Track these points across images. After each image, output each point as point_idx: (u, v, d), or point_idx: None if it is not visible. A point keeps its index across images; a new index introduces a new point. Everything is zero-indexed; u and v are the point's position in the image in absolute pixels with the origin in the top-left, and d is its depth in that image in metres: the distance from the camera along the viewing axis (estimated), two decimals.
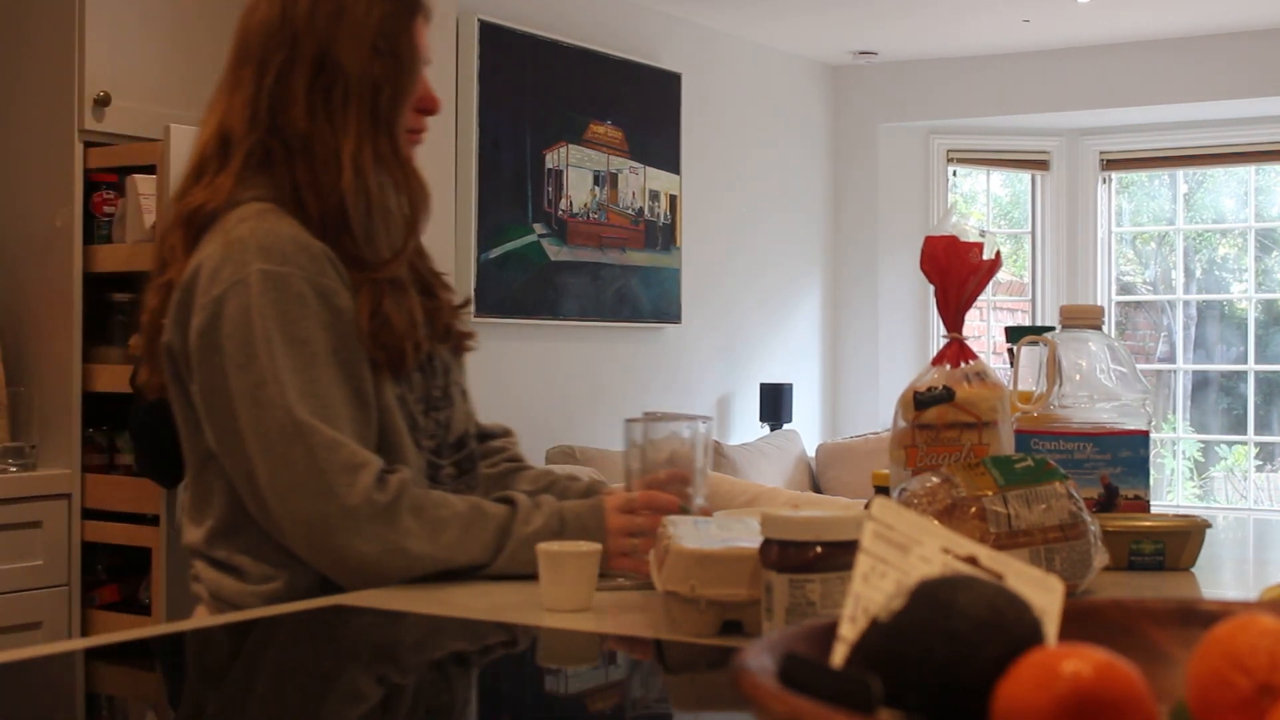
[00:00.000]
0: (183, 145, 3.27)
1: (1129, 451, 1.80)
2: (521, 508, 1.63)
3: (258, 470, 1.55)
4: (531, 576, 1.51)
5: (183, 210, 1.65)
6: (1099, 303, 6.82)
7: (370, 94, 1.65)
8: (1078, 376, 1.82)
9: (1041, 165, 6.90)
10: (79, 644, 1.39)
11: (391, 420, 1.64)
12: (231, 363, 1.56)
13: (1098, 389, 1.82)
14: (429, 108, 1.73)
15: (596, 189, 5.21)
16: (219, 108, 1.70)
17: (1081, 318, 1.86)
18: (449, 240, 4.01)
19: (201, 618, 1.64)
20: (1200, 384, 7.18)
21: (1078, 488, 1.51)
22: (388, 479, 1.56)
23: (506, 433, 1.93)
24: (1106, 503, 1.79)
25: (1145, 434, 1.80)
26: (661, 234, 5.51)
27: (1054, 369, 1.81)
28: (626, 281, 5.35)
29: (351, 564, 1.55)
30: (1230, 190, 7.10)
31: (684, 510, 1.62)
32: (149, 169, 3.34)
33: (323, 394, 1.56)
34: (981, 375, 1.65)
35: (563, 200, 5.05)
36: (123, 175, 3.40)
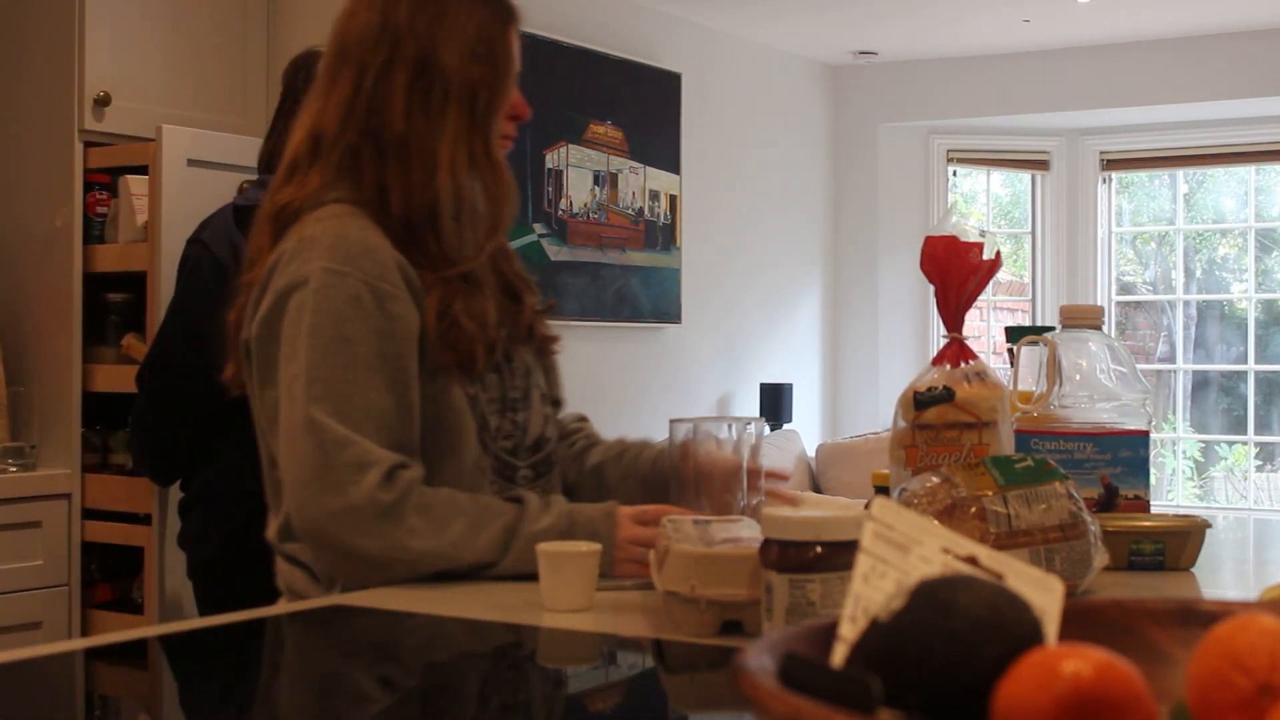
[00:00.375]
0: (175, 145, 3.28)
1: (1129, 452, 1.80)
2: (530, 507, 1.63)
3: (279, 462, 1.61)
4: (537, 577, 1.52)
5: (270, 209, 1.72)
6: (1099, 303, 6.82)
7: (469, 97, 1.70)
8: (1078, 376, 1.82)
9: (1041, 165, 6.90)
10: (79, 644, 1.39)
11: (458, 420, 1.67)
12: (282, 355, 1.62)
13: (1098, 389, 1.82)
14: (520, 114, 1.78)
15: (596, 189, 5.21)
16: (313, 109, 1.75)
17: (1081, 318, 1.86)
18: None
19: (201, 618, 1.64)
20: (1200, 384, 7.18)
21: (1078, 488, 1.51)
22: (397, 477, 1.57)
23: (582, 419, 2.00)
24: (1106, 503, 1.79)
25: (1145, 434, 1.80)
26: (661, 234, 5.51)
27: (1054, 369, 1.81)
28: (626, 281, 5.35)
29: (356, 561, 1.56)
30: (1230, 190, 7.10)
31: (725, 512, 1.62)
32: (142, 169, 3.34)
33: (352, 394, 1.58)
34: (981, 375, 1.65)
35: (563, 200, 5.05)
36: (115, 176, 3.40)
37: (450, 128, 1.69)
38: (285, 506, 1.61)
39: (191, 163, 3.30)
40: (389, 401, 1.60)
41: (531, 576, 1.55)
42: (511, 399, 1.75)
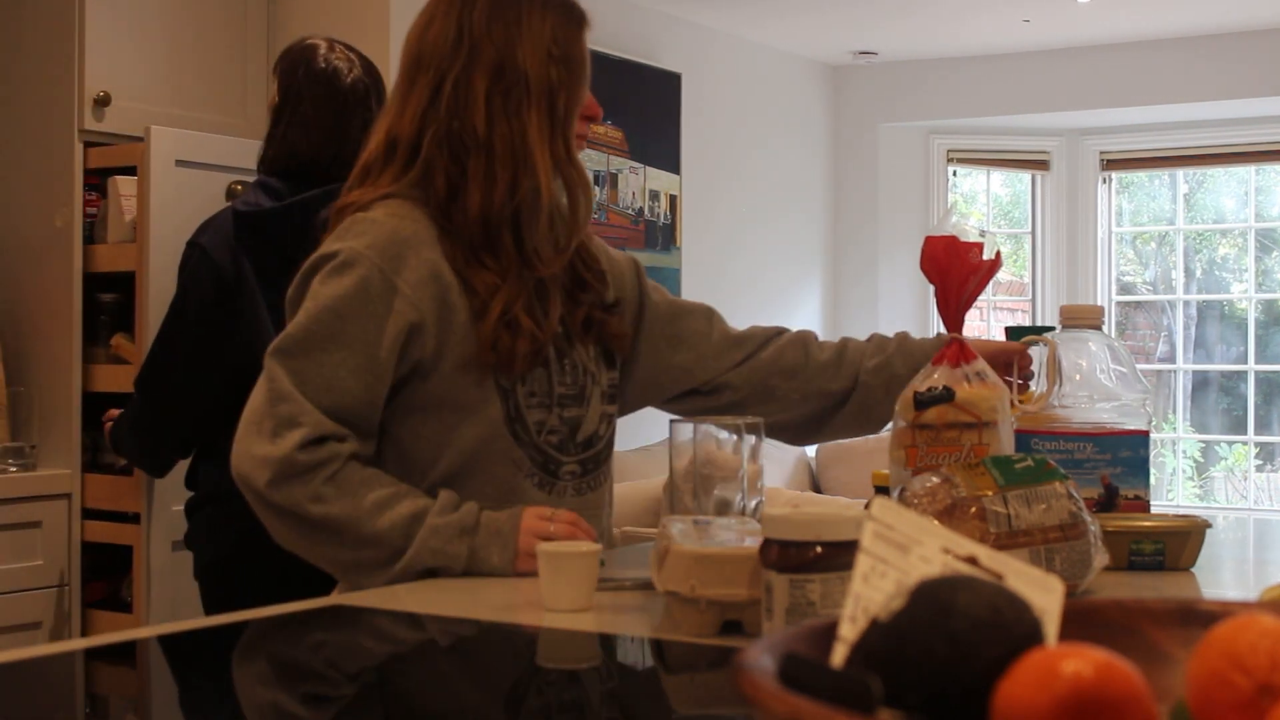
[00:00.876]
0: (163, 146, 3.29)
1: (1129, 451, 1.80)
2: (440, 500, 1.66)
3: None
4: (440, 573, 1.61)
5: (338, 206, 1.77)
6: (1099, 303, 6.82)
7: (548, 99, 1.75)
8: (1078, 376, 1.82)
9: (1041, 165, 6.90)
10: (79, 644, 1.39)
11: (483, 409, 1.71)
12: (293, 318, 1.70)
13: (1098, 389, 1.82)
14: (594, 114, 1.83)
15: (596, 189, 5.21)
16: (389, 117, 1.79)
17: (1082, 318, 1.86)
18: None
19: (200, 619, 1.64)
20: (1200, 384, 7.18)
21: (1078, 488, 1.51)
22: (324, 444, 1.62)
23: (780, 331, 2.02)
24: (1106, 503, 1.79)
25: (1145, 434, 1.80)
26: (661, 234, 5.51)
27: (1054, 369, 1.81)
28: None
29: (265, 510, 1.65)
30: (1230, 190, 7.10)
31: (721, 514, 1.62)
32: (132, 170, 3.34)
33: (321, 362, 1.65)
34: (981, 375, 1.65)
35: None
36: (104, 176, 3.40)
37: (533, 129, 1.73)
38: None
39: (180, 163, 3.31)
40: (353, 384, 1.65)
41: (432, 574, 1.62)
42: (560, 395, 1.77)
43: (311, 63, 2.54)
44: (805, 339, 2.02)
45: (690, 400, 1.98)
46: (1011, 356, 1.88)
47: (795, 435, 2.02)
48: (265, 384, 1.65)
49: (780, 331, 2.02)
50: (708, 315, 2.00)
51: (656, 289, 2.00)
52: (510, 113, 1.73)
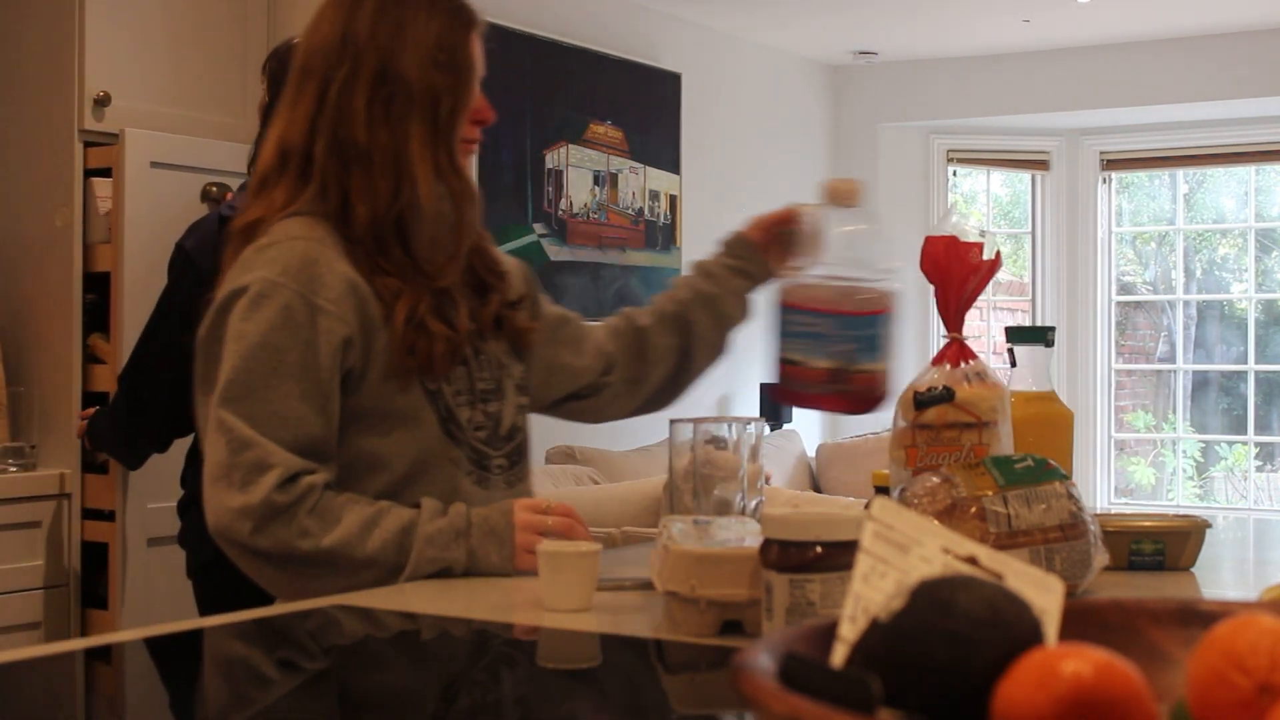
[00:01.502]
0: (139, 148, 3.31)
1: (870, 330, 1.80)
2: (425, 508, 1.66)
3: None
4: (442, 575, 1.62)
5: (239, 224, 1.74)
6: (1099, 303, 6.83)
7: (431, 105, 1.72)
8: (834, 252, 1.84)
9: (1041, 165, 6.90)
10: (79, 644, 1.39)
11: (415, 412, 1.70)
12: (215, 360, 1.66)
13: (850, 264, 1.83)
14: (484, 118, 1.79)
15: (596, 189, 5.21)
16: (280, 123, 1.76)
17: (842, 198, 1.87)
18: None
19: (197, 619, 1.65)
20: (1200, 384, 7.18)
21: (1075, 486, 1.51)
22: (297, 481, 1.61)
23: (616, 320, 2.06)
24: (838, 377, 1.79)
25: (883, 312, 1.80)
26: (661, 234, 5.51)
27: (815, 241, 1.84)
28: (626, 281, 5.35)
29: (252, 560, 1.63)
30: (1230, 190, 7.10)
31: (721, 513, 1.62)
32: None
33: (268, 399, 1.62)
34: (981, 375, 1.65)
35: (563, 200, 5.05)
36: (86, 177, 3.41)
37: (414, 136, 1.70)
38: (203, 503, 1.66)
39: (155, 165, 3.33)
40: (305, 410, 1.63)
41: (439, 575, 1.63)
42: (481, 390, 1.78)
43: None
44: (628, 316, 2.04)
45: (568, 405, 2.02)
46: (783, 217, 1.97)
47: (662, 398, 2.08)
48: (221, 436, 1.61)
49: (616, 320, 2.06)
50: (580, 319, 2.03)
51: (541, 293, 2.00)
52: (392, 121, 1.70)
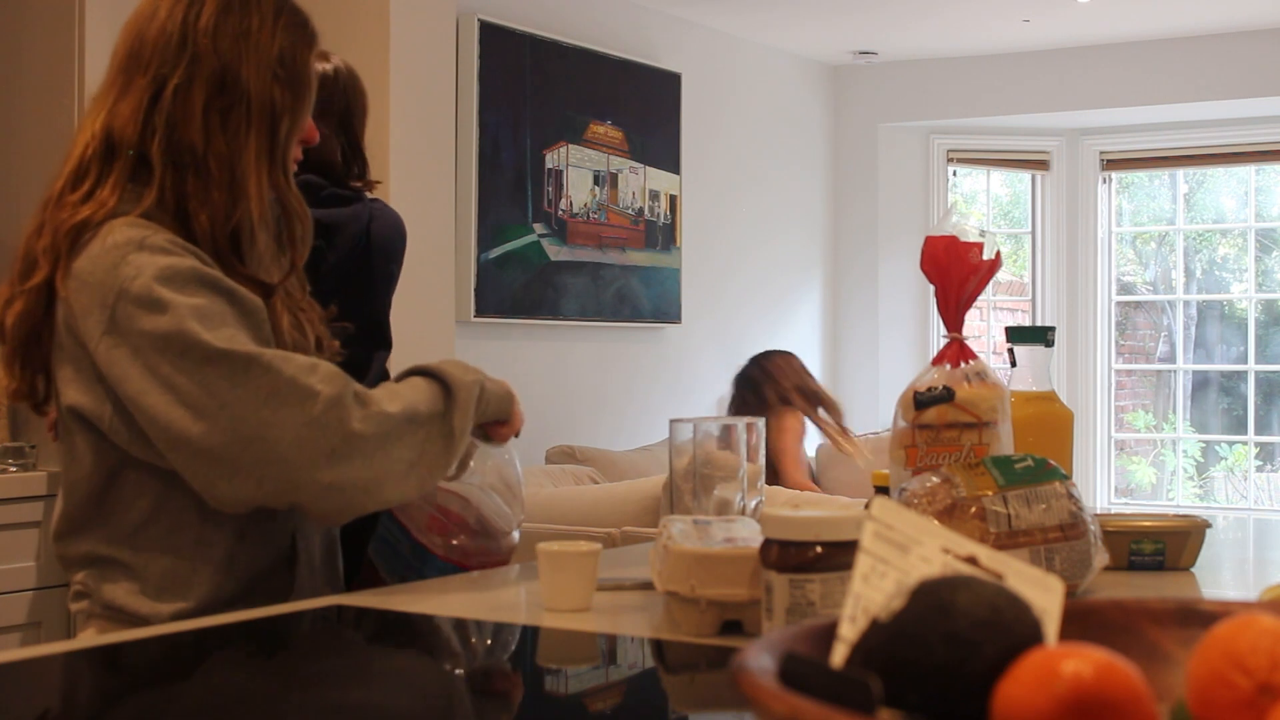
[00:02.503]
0: None
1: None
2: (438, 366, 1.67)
3: (219, 429, 1.50)
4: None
5: (68, 221, 1.64)
6: (1099, 303, 6.83)
7: (269, 120, 1.66)
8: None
9: (1041, 165, 6.90)
10: (79, 644, 1.39)
11: None
12: (153, 348, 1.52)
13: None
14: (310, 139, 1.75)
15: (596, 189, 5.21)
16: (102, 109, 1.69)
17: None
18: (449, 241, 4.01)
19: (195, 620, 1.64)
20: (1200, 384, 7.18)
21: (1075, 486, 1.51)
22: (336, 368, 1.57)
23: None
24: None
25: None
26: (661, 234, 5.51)
27: None
28: (626, 281, 5.35)
29: (354, 446, 1.51)
30: (1230, 190, 7.10)
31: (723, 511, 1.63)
32: None
33: (232, 335, 1.53)
34: (981, 375, 1.65)
35: (563, 200, 5.05)
36: None
37: (251, 149, 1.65)
38: (256, 453, 1.51)
39: None
40: (266, 334, 1.59)
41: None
42: None
43: None
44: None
45: None
46: None
47: None
48: (252, 370, 1.51)
49: None
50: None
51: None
52: (229, 131, 1.64)
